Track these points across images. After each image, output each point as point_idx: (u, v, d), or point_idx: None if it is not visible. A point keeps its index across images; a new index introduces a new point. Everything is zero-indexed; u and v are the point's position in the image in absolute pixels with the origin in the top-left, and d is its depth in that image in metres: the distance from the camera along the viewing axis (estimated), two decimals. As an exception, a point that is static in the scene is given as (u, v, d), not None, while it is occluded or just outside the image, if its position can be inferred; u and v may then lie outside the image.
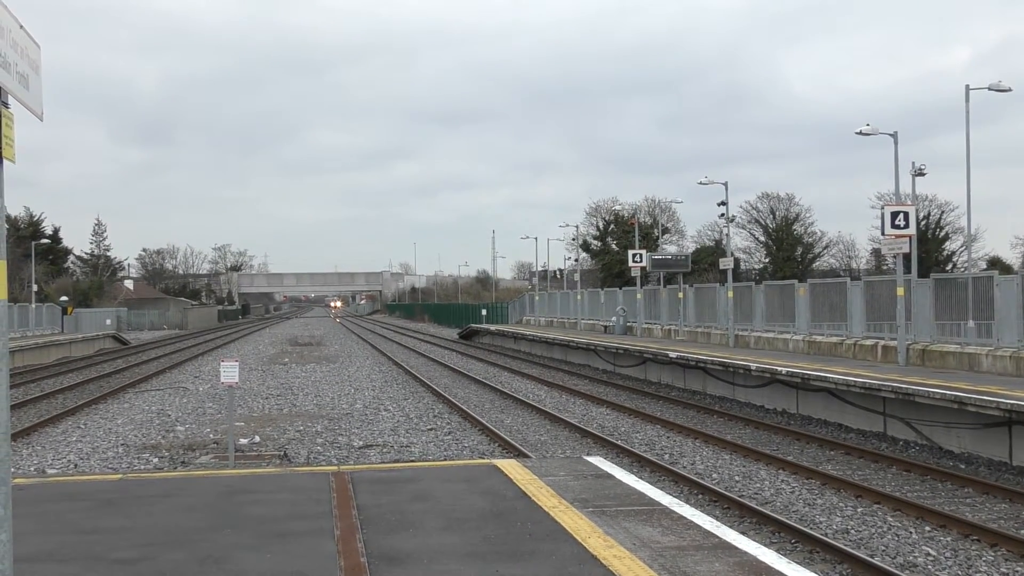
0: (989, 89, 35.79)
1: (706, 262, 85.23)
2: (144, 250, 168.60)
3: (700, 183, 44.02)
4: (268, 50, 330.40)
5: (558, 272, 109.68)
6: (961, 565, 12.64)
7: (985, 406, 19.39)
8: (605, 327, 55.81)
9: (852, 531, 14.51)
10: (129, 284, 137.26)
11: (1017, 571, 12.35)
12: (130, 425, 26.35)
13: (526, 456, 19.50)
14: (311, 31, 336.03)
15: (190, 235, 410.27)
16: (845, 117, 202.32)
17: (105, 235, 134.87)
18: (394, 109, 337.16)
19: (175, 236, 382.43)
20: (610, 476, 12.38)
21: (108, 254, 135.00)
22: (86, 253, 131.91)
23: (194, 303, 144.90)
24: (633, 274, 55.00)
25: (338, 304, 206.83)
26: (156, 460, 20.86)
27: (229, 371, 18.22)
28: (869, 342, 30.75)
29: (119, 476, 14.52)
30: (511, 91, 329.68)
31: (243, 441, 22.67)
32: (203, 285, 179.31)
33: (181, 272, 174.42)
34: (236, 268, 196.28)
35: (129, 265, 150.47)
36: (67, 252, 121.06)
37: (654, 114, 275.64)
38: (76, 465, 20.42)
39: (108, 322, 77.16)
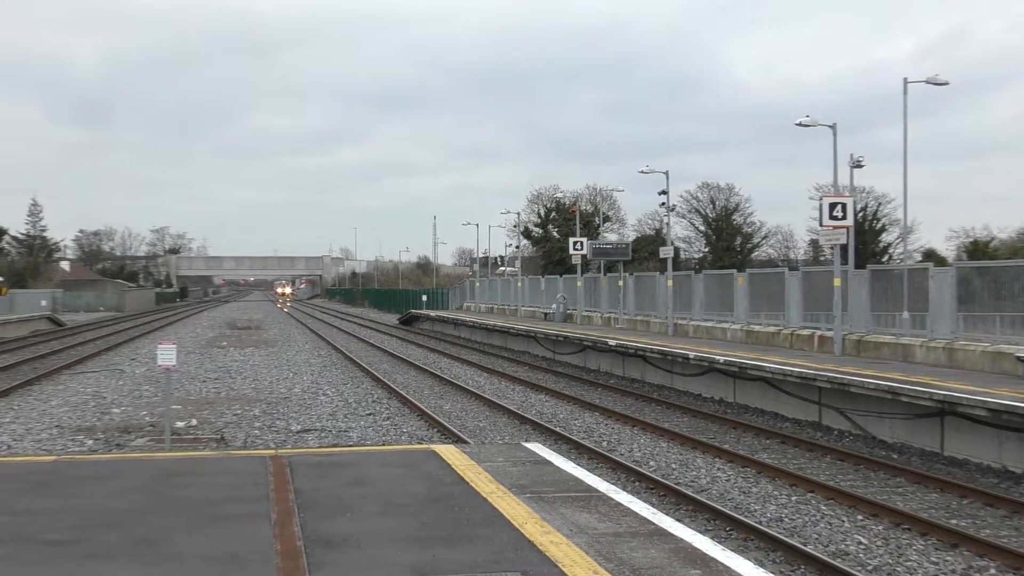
0: (927, 83, 36.12)
1: (646, 251, 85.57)
2: (81, 231, 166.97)
3: (642, 172, 44.15)
4: (210, 30, 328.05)
5: (499, 259, 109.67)
6: (892, 554, 12.83)
7: (918, 396, 19.65)
8: (545, 314, 55.90)
9: (786, 519, 14.66)
10: (65, 265, 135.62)
11: (946, 560, 12.54)
12: (65, 407, 26.06)
13: (464, 442, 19.52)
14: (254, 12, 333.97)
15: (128, 217, 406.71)
16: (788, 107, 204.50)
17: (41, 216, 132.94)
18: (337, 93, 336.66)
19: (113, 218, 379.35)
20: (548, 462, 12.42)
21: (44, 235, 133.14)
22: (21, 234, 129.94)
23: (131, 285, 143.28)
24: (574, 262, 55.03)
25: (287, 290, 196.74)
26: (91, 442, 20.65)
27: (166, 354, 18.08)
28: (806, 332, 31.04)
29: (53, 458, 14.37)
30: (455, 76, 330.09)
31: (180, 424, 22.51)
32: (141, 267, 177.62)
33: (119, 254, 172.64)
34: (174, 251, 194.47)
35: (65, 246, 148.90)
36: (2, 232, 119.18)
37: (599, 101, 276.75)
38: (9, 447, 20.17)
39: (43, 303, 75.98)
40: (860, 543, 13.33)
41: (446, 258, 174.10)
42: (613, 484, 12.09)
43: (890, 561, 12.50)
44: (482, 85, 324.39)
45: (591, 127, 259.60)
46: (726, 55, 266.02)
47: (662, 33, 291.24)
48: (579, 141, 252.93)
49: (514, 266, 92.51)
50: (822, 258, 75.78)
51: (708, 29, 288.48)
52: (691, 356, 29.30)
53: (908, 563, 12.41)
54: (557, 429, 22.55)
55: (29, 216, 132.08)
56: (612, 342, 35.64)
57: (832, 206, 28.22)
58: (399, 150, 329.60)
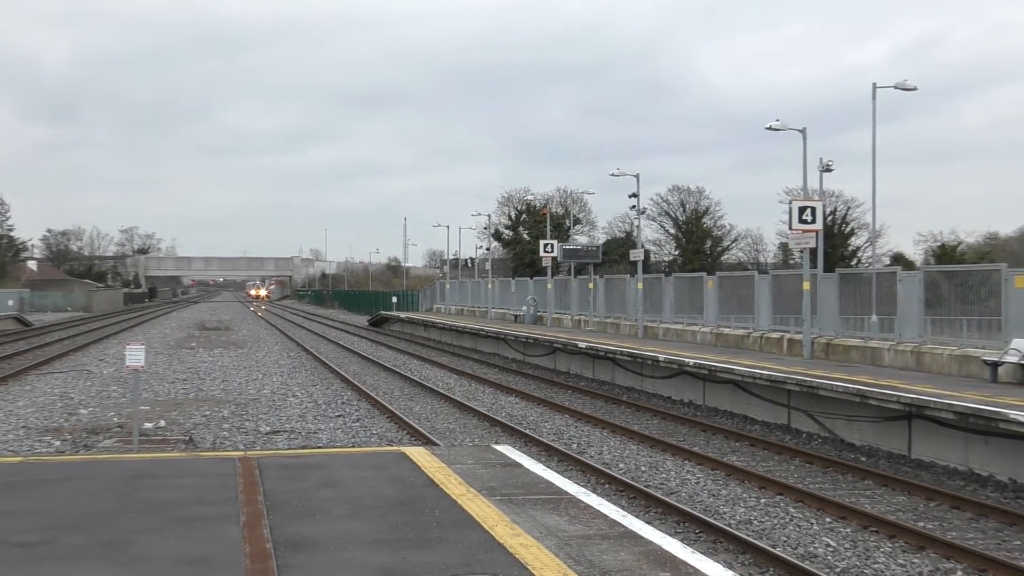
0: (895, 88, 36.40)
1: (617, 253, 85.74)
2: (49, 231, 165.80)
3: (612, 175, 44.30)
4: (183, 28, 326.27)
5: (470, 261, 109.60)
6: (860, 556, 12.89)
7: (886, 400, 19.75)
8: (516, 316, 55.94)
9: (755, 521, 14.72)
10: (32, 265, 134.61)
11: (913, 562, 12.62)
12: (31, 408, 25.88)
13: (435, 444, 19.51)
14: (227, 10, 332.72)
15: (97, 217, 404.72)
16: (761, 111, 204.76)
17: (8, 215, 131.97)
18: (311, 92, 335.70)
19: (81, 217, 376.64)
20: (518, 465, 12.42)
21: (11, 234, 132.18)
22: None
23: (100, 285, 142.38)
24: (544, 264, 55.17)
25: (262, 292, 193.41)
26: (58, 443, 20.52)
27: (135, 354, 18.00)
28: (775, 335, 31.16)
29: (20, 459, 14.27)
30: (431, 76, 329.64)
31: (148, 425, 22.39)
32: (109, 267, 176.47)
33: (87, 254, 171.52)
34: (143, 251, 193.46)
35: (33, 246, 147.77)
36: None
37: (574, 103, 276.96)
38: (-25, 448, 20.02)
39: (10, 303, 75.46)
40: (828, 545, 13.40)
41: (416, 260, 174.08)
42: (583, 486, 12.10)
43: (858, 563, 12.56)
44: (459, 86, 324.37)
45: (567, 129, 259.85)
46: (701, 59, 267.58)
47: (639, 37, 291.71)
48: (555, 143, 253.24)
49: (442, 270, 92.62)
50: (791, 261, 76.12)
51: (684, 33, 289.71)
52: (661, 359, 29.37)
53: (876, 565, 12.47)
54: (527, 431, 22.56)
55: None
56: (582, 344, 35.69)
57: (802, 210, 28.34)
58: (372, 150, 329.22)
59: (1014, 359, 21.41)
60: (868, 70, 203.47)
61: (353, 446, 20.18)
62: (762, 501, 16.08)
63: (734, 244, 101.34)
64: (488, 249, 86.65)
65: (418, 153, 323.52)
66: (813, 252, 29.92)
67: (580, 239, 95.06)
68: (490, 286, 65.41)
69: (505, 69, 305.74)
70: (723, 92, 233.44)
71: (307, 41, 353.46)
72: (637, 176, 42.48)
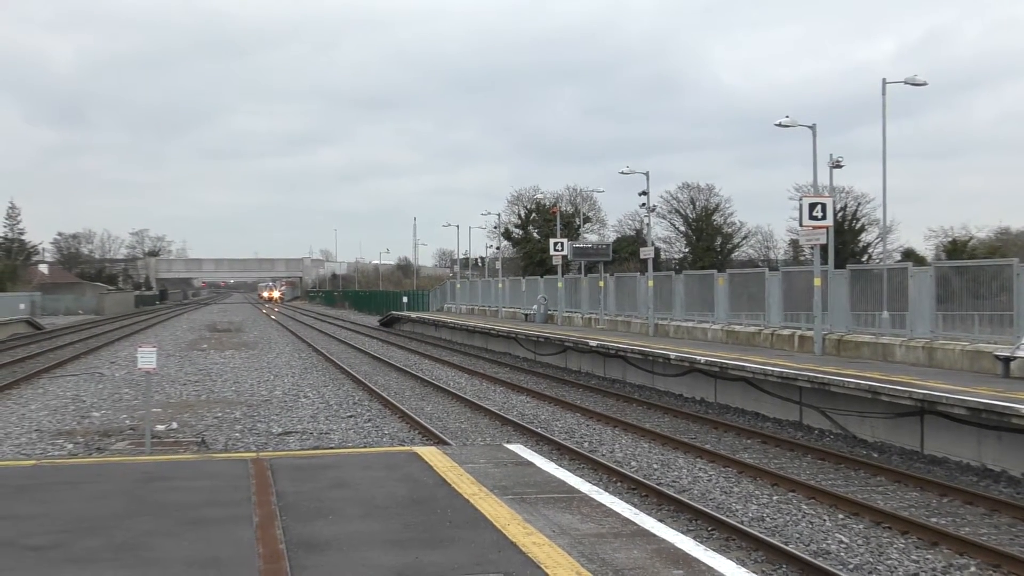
0: (905, 83, 36.34)
1: (627, 251, 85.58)
2: (60, 234, 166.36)
3: (622, 172, 44.25)
4: (190, 32, 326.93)
5: (480, 260, 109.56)
6: (873, 552, 12.87)
7: (898, 396, 19.71)
8: (526, 315, 55.90)
9: (768, 518, 14.69)
10: (44, 268, 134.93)
11: (927, 558, 12.59)
12: (44, 411, 25.94)
13: (446, 443, 19.50)
14: (233, 14, 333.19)
15: (107, 219, 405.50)
16: (769, 109, 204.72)
17: (19, 219, 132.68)
18: (316, 94, 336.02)
19: (92, 220, 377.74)
20: (530, 463, 12.42)
21: (22, 238, 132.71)
22: (0, 237, 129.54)
23: (111, 288, 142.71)
24: (554, 263, 55.14)
25: (275, 293, 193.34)
26: (71, 446, 20.56)
27: (146, 357, 18.03)
28: (786, 332, 31.10)
29: (33, 462, 14.30)
30: (437, 78, 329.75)
31: (160, 427, 22.43)
32: (120, 270, 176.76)
33: (98, 257, 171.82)
34: (154, 253, 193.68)
35: (44, 249, 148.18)
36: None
37: (580, 102, 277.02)
38: (-12, 451, 20.06)
39: (22, 307, 75.46)
40: (841, 542, 13.37)
41: (426, 259, 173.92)
42: (595, 485, 12.08)
43: (871, 560, 12.54)
44: (464, 87, 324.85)
45: (572, 129, 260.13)
46: (707, 57, 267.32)
47: (644, 35, 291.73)
48: (561, 143, 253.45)
49: (452, 269, 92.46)
50: (802, 258, 75.98)
51: (690, 31, 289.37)
52: (672, 356, 29.33)
53: (889, 561, 12.45)
54: (539, 430, 22.55)
55: (7, 219, 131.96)
56: (593, 343, 35.66)
57: (812, 206, 28.28)
58: (379, 151, 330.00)
59: (1026, 354, 21.36)
60: (875, 68, 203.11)
61: (365, 446, 20.19)
62: (774, 498, 16.06)
63: (744, 241, 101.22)
64: (498, 248, 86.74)
65: (425, 154, 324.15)
66: (824, 248, 29.87)
67: (590, 237, 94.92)
68: (500, 285, 65.39)
69: (508, 70, 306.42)
70: (729, 90, 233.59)
71: (311, 44, 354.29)
72: (647, 174, 42.47)
